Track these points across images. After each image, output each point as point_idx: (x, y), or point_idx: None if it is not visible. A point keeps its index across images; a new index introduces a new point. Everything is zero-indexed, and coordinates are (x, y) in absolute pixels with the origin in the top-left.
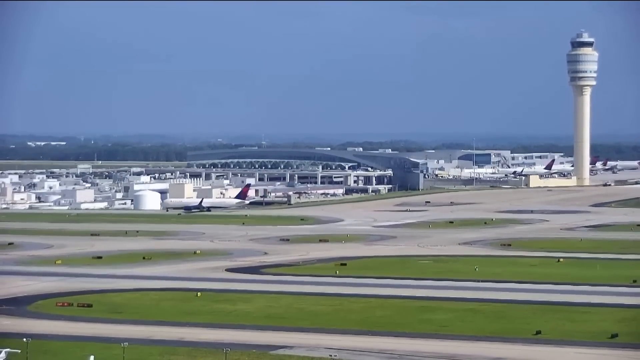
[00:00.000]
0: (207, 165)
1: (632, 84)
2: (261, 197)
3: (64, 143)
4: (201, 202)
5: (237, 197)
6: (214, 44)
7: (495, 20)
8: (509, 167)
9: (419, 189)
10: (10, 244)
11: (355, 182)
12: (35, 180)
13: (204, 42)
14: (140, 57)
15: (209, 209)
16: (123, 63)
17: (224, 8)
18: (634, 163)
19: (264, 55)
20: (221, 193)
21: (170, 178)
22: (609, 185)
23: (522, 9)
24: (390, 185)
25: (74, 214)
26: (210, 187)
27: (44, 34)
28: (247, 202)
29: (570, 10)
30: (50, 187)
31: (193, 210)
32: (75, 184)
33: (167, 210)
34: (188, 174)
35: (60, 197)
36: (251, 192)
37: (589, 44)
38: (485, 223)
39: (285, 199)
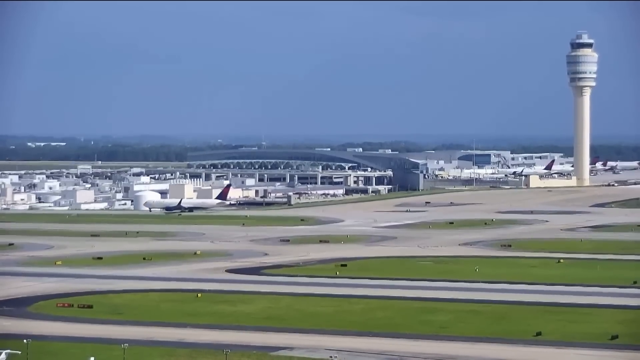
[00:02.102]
0: (207, 166)
1: (632, 85)
2: (261, 197)
3: (64, 144)
4: (180, 202)
5: (217, 197)
6: (214, 45)
7: (495, 20)
8: (509, 168)
9: (419, 190)
10: (10, 244)
11: (355, 182)
12: (36, 181)
13: (204, 43)
14: (140, 57)
15: (191, 209)
16: (123, 64)
17: (224, 9)
18: (634, 164)
19: (264, 56)
20: None
21: (170, 179)
22: (613, 185)
23: (521, 9)
24: (390, 186)
25: (74, 215)
26: (210, 187)
27: (44, 35)
28: (227, 202)
29: (570, 10)
30: (51, 188)
31: (174, 211)
32: (75, 185)
33: (150, 210)
34: (188, 174)
35: (60, 197)
36: (251, 193)
37: (589, 45)
38: (486, 224)
39: (285, 200)
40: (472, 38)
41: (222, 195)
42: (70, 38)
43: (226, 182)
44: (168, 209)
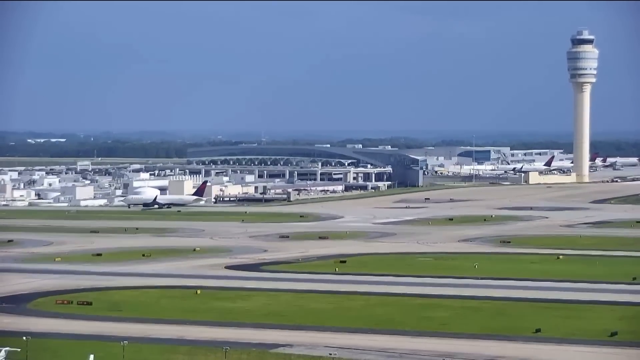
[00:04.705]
0: (206, 162)
1: (632, 81)
2: (261, 194)
3: (64, 140)
4: (155, 198)
5: (194, 194)
6: (214, 43)
7: (495, 19)
8: (509, 164)
9: (418, 186)
10: (10, 241)
11: (354, 179)
12: (35, 177)
13: (204, 41)
14: (140, 56)
15: (169, 205)
16: (123, 61)
17: (223, 8)
18: (634, 160)
19: (264, 54)
20: (221, 190)
21: (170, 175)
22: (616, 181)
23: (522, 7)
24: (390, 182)
25: (74, 211)
26: (209, 184)
27: (44, 33)
28: (204, 199)
29: (571, 8)
30: (50, 184)
31: (151, 207)
32: (74, 181)
33: (129, 207)
34: (188, 170)
35: (59, 194)
36: (250, 189)
37: (589, 42)
38: (485, 220)
39: (285, 196)
40: (472, 35)
41: (199, 192)
42: (70, 36)
43: (226, 179)
44: (145, 205)
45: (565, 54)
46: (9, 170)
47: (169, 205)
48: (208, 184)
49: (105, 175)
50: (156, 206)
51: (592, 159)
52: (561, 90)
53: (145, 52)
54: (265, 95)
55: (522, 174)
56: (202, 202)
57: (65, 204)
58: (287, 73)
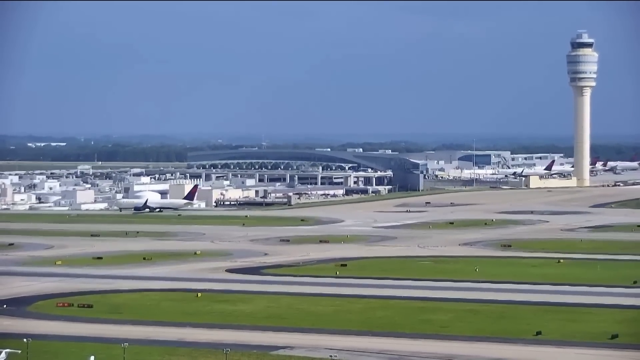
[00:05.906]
0: (207, 166)
1: (632, 85)
2: (261, 197)
3: (64, 144)
4: (146, 202)
5: (185, 197)
6: (214, 45)
7: (495, 20)
8: (509, 168)
9: (419, 190)
10: (10, 244)
11: (355, 182)
12: (36, 181)
13: (204, 41)
14: (140, 58)
15: (160, 209)
16: (123, 64)
17: (223, 8)
18: (634, 164)
19: (264, 56)
20: (221, 194)
21: (171, 179)
22: (618, 185)
23: (522, 9)
24: (391, 186)
25: (74, 215)
26: (210, 187)
27: (44, 35)
28: (195, 202)
29: (570, 10)
30: (51, 188)
31: (142, 211)
32: (75, 185)
33: (121, 210)
34: (188, 174)
35: (60, 197)
36: (251, 193)
37: (589, 45)
38: (486, 224)
39: (286, 200)
40: (472, 38)
41: (190, 196)
42: (70, 38)
43: (226, 183)
44: (136, 208)
45: (564, 55)
46: (10, 174)
47: (160, 209)
48: (203, 188)
49: (105, 179)
50: (147, 210)
51: (593, 163)
52: (561, 92)
53: (145, 52)
54: (265, 95)
55: (523, 178)
56: (193, 206)
57: (66, 208)
58: (287, 73)
